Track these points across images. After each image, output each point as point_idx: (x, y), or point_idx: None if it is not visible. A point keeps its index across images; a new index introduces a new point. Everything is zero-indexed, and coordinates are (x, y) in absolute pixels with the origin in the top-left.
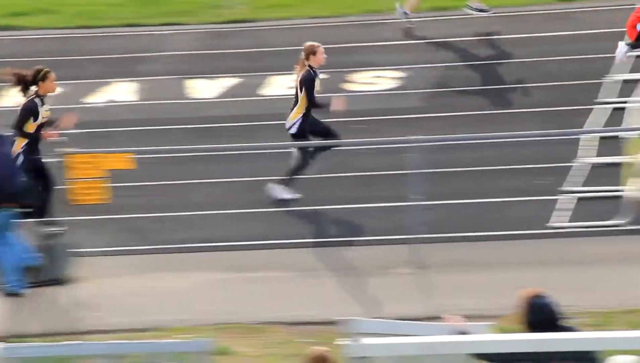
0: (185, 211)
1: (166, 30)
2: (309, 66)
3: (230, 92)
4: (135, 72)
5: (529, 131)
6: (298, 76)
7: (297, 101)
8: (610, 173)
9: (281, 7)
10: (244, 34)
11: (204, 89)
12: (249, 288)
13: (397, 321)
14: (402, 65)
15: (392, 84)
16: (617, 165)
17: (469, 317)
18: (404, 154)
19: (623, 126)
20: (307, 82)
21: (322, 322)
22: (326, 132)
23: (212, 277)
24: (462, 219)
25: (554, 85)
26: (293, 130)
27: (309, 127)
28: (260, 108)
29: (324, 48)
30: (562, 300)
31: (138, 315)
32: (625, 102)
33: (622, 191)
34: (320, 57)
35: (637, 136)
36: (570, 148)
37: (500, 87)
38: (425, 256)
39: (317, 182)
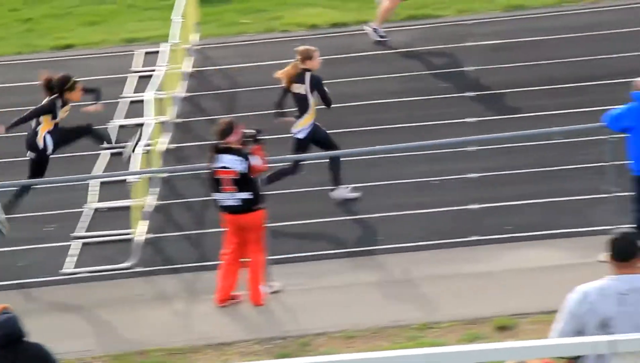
0: None
1: None
2: (305, 69)
3: None
4: None
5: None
6: (294, 81)
7: (308, 107)
8: (112, 217)
9: None
10: None
11: None
12: None
13: None
14: None
15: None
16: (118, 209)
17: None
18: None
19: (130, 170)
20: (319, 83)
21: None
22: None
23: None
24: None
25: None
26: (302, 135)
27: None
28: None
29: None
30: (74, 346)
31: None
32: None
33: (129, 234)
34: (317, 62)
35: (141, 180)
36: (81, 194)
37: None
38: None
39: None
